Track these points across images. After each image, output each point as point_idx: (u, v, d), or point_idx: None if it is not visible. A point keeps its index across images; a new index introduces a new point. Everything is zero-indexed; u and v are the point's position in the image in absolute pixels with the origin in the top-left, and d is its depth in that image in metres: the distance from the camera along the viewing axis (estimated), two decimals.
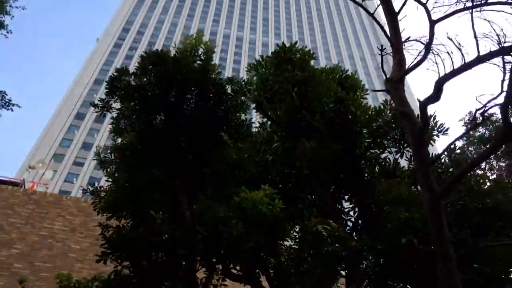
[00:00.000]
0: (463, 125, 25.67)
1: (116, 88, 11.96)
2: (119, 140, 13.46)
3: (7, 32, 17.25)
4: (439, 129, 13.54)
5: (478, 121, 9.51)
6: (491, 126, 24.59)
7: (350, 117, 14.71)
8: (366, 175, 14.27)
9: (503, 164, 24.90)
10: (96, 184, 13.98)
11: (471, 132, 24.14)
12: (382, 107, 14.80)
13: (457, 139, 12.52)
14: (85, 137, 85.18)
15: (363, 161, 14.48)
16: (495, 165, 25.90)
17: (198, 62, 12.36)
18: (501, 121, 8.76)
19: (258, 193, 9.84)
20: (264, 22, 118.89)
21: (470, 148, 24.14)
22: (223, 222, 9.37)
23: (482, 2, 9.23)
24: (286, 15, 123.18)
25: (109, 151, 13.80)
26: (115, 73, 12.26)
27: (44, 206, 29.22)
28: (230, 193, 10.27)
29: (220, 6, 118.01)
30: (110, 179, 12.92)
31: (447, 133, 13.58)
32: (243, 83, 12.67)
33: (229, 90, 12.70)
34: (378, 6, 11.59)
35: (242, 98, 12.52)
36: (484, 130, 24.90)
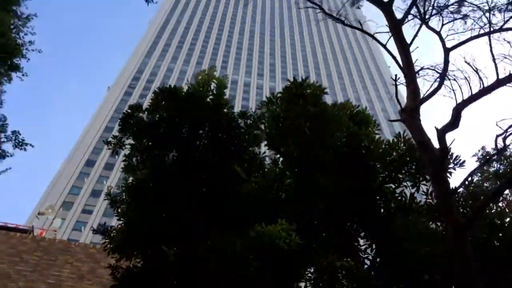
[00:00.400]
0: (476, 161, 25.34)
1: (129, 125, 11.95)
2: (131, 178, 13.35)
3: (22, 75, 17.47)
4: (456, 162, 13.27)
5: (498, 149, 9.28)
6: (505, 161, 24.22)
7: (363, 151, 14.56)
8: (382, 210, 13.95)
9: None
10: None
11: (485, 168, 23.81)
12: (395, 140, 14.67)
13: (474, 171, 12.28)
14: (94, 184, 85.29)
15: (378, 197, 14.19)
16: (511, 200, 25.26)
17: (211, 97, 12.40)
18: None
19: (275, 227, 9.58)
20: (271, 67, 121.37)
21: (485, 184, 23.64)
22: (240, 257, 9.06)
23: (497, 28, 9.26)
24: (292, 60, 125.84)
25: (120, 191, 13.67)
26: (128, 110, 12.31)
27: (52, 253, 28.73)
28: (246, 228, 10.02)
29: (227, 53, 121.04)
30: (122, 219, 12.71)
31: (464, 166, 13.29)
32: (256, 116, 12.64)
33: (241, 124, 12.65)
34: (390, 38, 11.74)
35: (255, 132, 12.44)
36: (499, 165, 24.51)
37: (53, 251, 28.87)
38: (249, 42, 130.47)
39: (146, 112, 12.43)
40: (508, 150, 23.63)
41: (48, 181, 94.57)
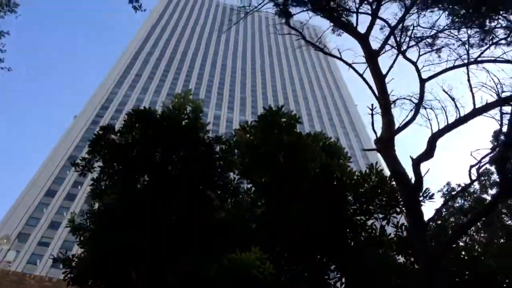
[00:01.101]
0: (441, 196, 25.82)
1: (100, 147, 11.51)
2: (96, 204, 12.81)
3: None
4: (425, 195, 13.40)
5: (471, 179, 9.40)
6: (469, 197, 24.81)
7: (335, 182, 14.56)
8: (352, 243, 13.86)
9: (483, 236, 24.74)
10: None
11: (449, 203, 24.33)
12: (367, 171, 14.75)
13: (446, 203, 12.49)
14: (54, 215, 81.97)
15: (349, 229, 14.11)
16: (475, 237, 25.77)
17: (186, 120, 12.17)
18: (497, 178, 8.75)
19: (250, 255, 9.28)
20: (241, 101, 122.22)
21: (451, 219, 24.02)
22: (213, 282, 8.68)
23: (472, 60, 9.58)
24: (262, 95, 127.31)
25: (84, 217, 13.06)
26: (99, 131, 11.90)
27: (5, 285, 27.13)
28: (218, 254, 9.67)
29: (199, 86, 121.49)
30: (85, 247, 12.09)
31: (433, 199, 13.43)
32: (232, 142, 12.45)
33: (217, 150, 12.42)
34: (366, 68, 11.96)
35: (230, 158, 12.23)
36: (463, 201, 25.05)
37: (6, 283, 27.23)
38: (221, 76, 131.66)
39: (118, 134, 12.03)
40: (472, 187, 24.39)
41: (6, 210, 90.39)
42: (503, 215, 23.36)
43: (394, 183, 13.03)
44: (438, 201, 29.05)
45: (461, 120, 9.18)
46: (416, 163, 9.62)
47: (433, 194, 13.32)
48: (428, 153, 9.51)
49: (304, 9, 13.32)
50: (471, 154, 8.71)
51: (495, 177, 23.05)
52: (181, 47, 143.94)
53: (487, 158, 9.06)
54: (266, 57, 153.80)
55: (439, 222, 14.37)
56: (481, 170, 9.52)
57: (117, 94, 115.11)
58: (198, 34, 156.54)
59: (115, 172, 11.80)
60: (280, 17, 12.89)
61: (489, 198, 23.31)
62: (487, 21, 12.20)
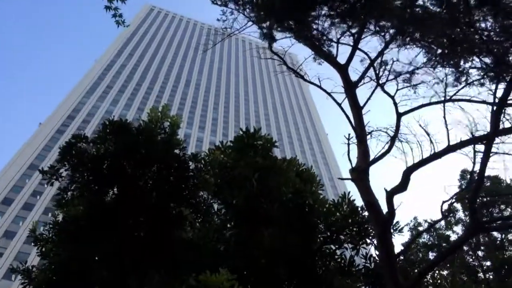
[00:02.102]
0: (408, 230, 26.21)
1: (70, 155, 11.11)
2: (60, 215, 12.31)
3: None
4: (395, 228, 13.54)
5: (443, 214, 9.53)
6: (434, 233, 25.26)
7: (307, 209, 14.54)
8: (321, 272, 13.80)
9: (446, 272, 25.16)
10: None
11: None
12: (340, 200, 14.81)
13: (413, 240, 12.61)
14: (9, 224, 78.53)
15: (317, 257, 14.06)
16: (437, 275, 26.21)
17: (162, 135, 11.94)
18: (468, 217, 8.92)
19: (219, 277, 9.02)
20: (213, 121, 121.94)
21: (418, 254, 24.37)
22: None
23: (448, 98, 9.88)
24: (235, 117, 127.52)
25: (47, 228, 12.53)
26: (71, 139, 11.51)
27: None
28: (186, 273, 9.37)
29: (171, 103, 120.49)
30: (46, 258, 11.55)
31: (402, 232, 13.59)
32: (208, 160, 12.26)
33: (192, 167, 12.19)
34: (344, 99, 12.13)
35: (205, 176, 12.02)
36: (428, 237, 25.48)
37: None
38: (194, 95, 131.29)
39: (91, 144, 11.67)
40: (438, 225, 24.97)
41: None
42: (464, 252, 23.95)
43: (365, 213, 13.13)
44: (405, 235, 29.53)
45: (436, 156, 9.38)
46: (390, 195, 9.72)
47: (402, 228, 13.49)
48: (402, 186, 9.63)
49: (287, 35, 13.49)
50: (444, 190, 8.88)
51: (460, 214, 23.69)
52: (156, 63, 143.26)
53: (455, 195, 9.22)
54: (241, 79, 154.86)
55: (411, 256, 14.55)
56: (451, 207, 9.69)
57: (86, 104, 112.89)
58: (174, 51, 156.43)
59: (83, 183, 11.39)
60: (264, 39, 13.00)
61: (453, 234, 23.88)
62: (462, 61, 12.65)
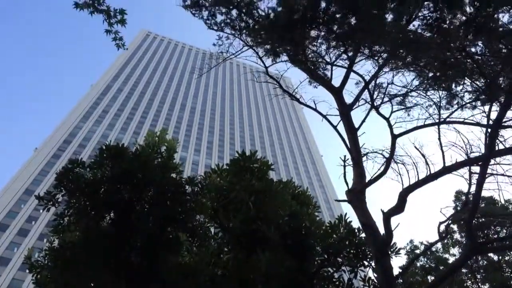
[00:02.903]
0: (405, 254, 26.06)
1: (67, 181, 11.09)
2: (56, 241, 12.21)
3: None
4: (392, 249, 13.50)
5: (441, 235, 9.54)
6: (431, 256, 25.14)
7: (304, 231, 14.50)
8: None
9: None
10: None
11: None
12: (336, 222, 14.78)
13: (411, 263, 12.59)
14: (3, 251, 77.44)
15: (316, 280, 13.96)
16: None
17: (159, 159, 11.96)
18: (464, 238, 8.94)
19: None
20: (208, 144, 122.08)
21: (416, 277, 24.19)
22: None
23: (442, 120, 10.01)
24: (230, 140, 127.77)
25: (42, 254, 12.40)
26: (68, 165, 11.50)
27: None
28: None
29: (166, 126, 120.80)
30: (42, 285, 11.41)
31: (399, 254, 13.55)
32: (204, 184, 12.26)
33: (188, 191, 12.17)
34: (339, 122, 12.25)
35: (202, 200, 12.00)
36: (426, 260, 25.33)
37: None
38: (189, 118, 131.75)
39: (87, 169, 11.66)
40: (435, 247, 24.89)
41: None
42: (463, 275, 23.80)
43: (363, 235, 13.10)
44: (403, 258, 29.40)
45: (431, 177, 9.45)
46: (387, 217, 9.74)
47: (399, 249, 13.46)
48: (399, 208, 9.66)
49: (283, 60, 13.70)
50: (440, 211, 8.91)
51: (457, 236, 23.62)
52: (152, 87, 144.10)
53: (452, 217, 9.25)
54: (236, 103, 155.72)
55: (410, 278, 14.45)
56: (448, 228, 9.72)
57: (82, 128, 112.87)
58: (170, 75, 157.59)
59: (80, 208, 11.34)
60: (268, 55, 13.19)
61: (450, 257, 23.76)
62: (454, 85, 12.85)
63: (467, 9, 11.08)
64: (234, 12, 13.95)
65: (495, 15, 10.31)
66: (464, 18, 11.02)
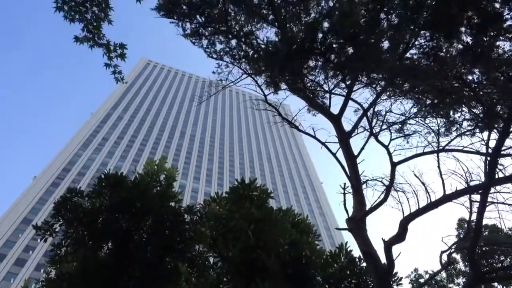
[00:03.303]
0: (409, 282, 25.65)
1: (65, 210, 11.00)
2: (53, 272, 12.03)
3: None
4: (394, 279, 13.30)
5: (442, 265, 9.41)
6: (436, 286, 24.71)
7: (304, 260, 14.32)
8: None
9: None
10: None
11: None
12: (337, 251, 14.61)
13: None
14: (0, 281, 76.21)
15: None
16: None
17: (158, 188, 11.90)
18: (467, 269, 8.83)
19: None
20: (208, 172, 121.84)
21: None
22: None
23: (441, 148, 10.01)
24: (229, 167, 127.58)
25: (39, 285, 12.20)
26: (66, 194, 11.44)
27: None
28: None
29: (166, 154, 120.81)
30: None
31: (401, 284, 13.36)
32: (203, 212, 12.17)
33: (187, 220, 12.07)
34: (339, 149, 12.25)
35: (201, 229, 11.88)
36: None
37: None
38: (189, 146, 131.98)
39: (86, 198, 11.59)
40: (439, 275, 24.53)
41: None
42: None
43: (364, 264, 12.92)
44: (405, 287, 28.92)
45: (432, 205, 9.39)
46: (388, 245, 9.62)
47: (401, 279, 13.26)
48: (400, 236, 9.55)
49: (282, 88, 13.82)
50: (442, 240, 8.81)
51: (460, 265, 23.30)
52: (151, 115, 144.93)
53: (454, 246, 9.15)
54: (235, 130, 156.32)
55: None
56: (450, 258, 9.59)
57: (81, 156, 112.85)
58: (169, 103, 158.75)
59: (78, 238, 11.21)
60: (268, 87, 13.33)
61: (454, 286, 23.37)
62: (452, 112, 12.92)
63: (464, 37, 11.26)
64: (233, 42, 14.18)
65: (494, 43, 10.45)
66: (460, 46, 11.17)
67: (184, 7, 13.75)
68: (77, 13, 7.74)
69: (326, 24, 12.03)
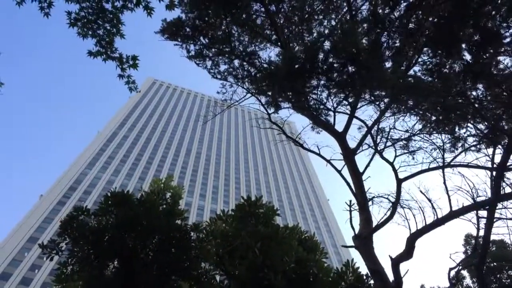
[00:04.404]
0: None
1: (71, 228, 11.04)
2: None
3: None
4: None
5: (451, 281, 9.31)
6: None
7: (311, 278, 14.21)
8: None
9: None
10: None
11: None
12: (344, 269, 14.49)
13: None
14: None
15: None
16: None
17: (164, 206, 11.93)
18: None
19: None
20: (214, 189, 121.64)
21: None
22: None
23: (446, 164, 10.00)
24: (235, 185, 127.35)
25: None
26: (73, 212, 11.49)
27: None
28: None
29: (172, 172, 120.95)
30: None
31: None
32: (209, 230, 12.16)
33: (193, 237, 12.05)
34: (344, 166, 12.26)
35: (207, 247, 11.86)
36: None
37: None
38: (194, 164, 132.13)
39: (92, 216, 11.63)
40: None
41: None
42: None
43: (371, 282, 12.80)
44: None
45: (439, 222, 9.34)
46: (396, 263, 9.56)
47: None
48: (408, 254, 9.50)
49: (286, 106, 13.91)
50: (450, 257, 8.74)
51: (468, 281, 23.06)
52: (157, 133, 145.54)
53: (462, 262, 9.07)
54: (241, 148, 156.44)
55: None
56: (458, 274, 9.50)
57: (88, 175, 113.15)
58: (175, 121, 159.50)
59: (83, 257, 11.22)
60: (269, 107, 13.43)
61: None
62: (457, 128, 12.94)
63: (466, 54, 11.34)
64: (236, 62, 14.35)
65: (494, 59, 10.51)
66: (462, 63, 11.25)
67: (187, 29, 13.98)
68: (89, 30, 7.96)
69: (327, 43, 12.17)
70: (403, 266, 10.26)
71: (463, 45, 10.06)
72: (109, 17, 8.02)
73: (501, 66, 10.77)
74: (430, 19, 10.67)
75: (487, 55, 9.61)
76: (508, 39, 9.29)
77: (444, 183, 9.54)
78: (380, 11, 12.03)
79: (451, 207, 9.03)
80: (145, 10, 7.82)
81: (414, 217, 9.51)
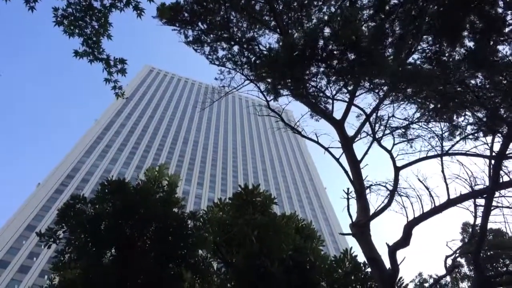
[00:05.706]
0: (414, 287, 25.49)
1: (68, 217, 11.01)
2: (57, 279, 12.03)
3: None
4: (399, 284, 13.25)
5: (447, 269, 9.34)
6: None
7: (308, 266, 14.27)
8: None
9: None
10: None
11: None
12: (341, 256, 14.55)
13: None
14: None
15: None
16: None
17: (161, 194, 11.89)
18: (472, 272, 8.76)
19: None
20: (211, 178, 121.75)
21: None
22: None
23: (444, 152, 9.98)
24: (233, 173, 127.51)
25: None
26: (70, 201, 11.46)
27: None
28: None
29: (169, 160, 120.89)
30: None
31: None
32: (206, 218, 12.15)
33: (190, 226, 12.04)
34: (342, 154, 12.21)
35: (204, 234, 11.86)
36: None
37: None
38: (192, 152, 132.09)
39: (89, 204, 11.60)
40: (444, 280, 24.41)
41: None
42: None
43: (368, 269, 12.85)
44: None
45: (436, 210, 9.34)
46: (392, 250, 9.57)
47: (407, 285, 13.20)
48: (404, 241, 9.51)
49: (285, 93, 13.80)
50: (446, 245, 8.76)
51: (465, 269, 23.19)
52: (155, 121, 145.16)
53: (459, 250, 9.08)
54: (239, 136, 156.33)
55: None
56: (455, 262, 9.53)
57: (85, 163, 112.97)
58: (172, 109, 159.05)
59: (81, 245, 11.21)
60: (269, 94, 13.32)
61: None
62: (455, 116, 12.88)
63: (466, 42, 11.24)
64: (235, 48, 14.20)
65: (496, 47, 10.42)
66: (463, 51, 11.15)
67: (185, 14, 13.80)
68: (76, 28, 7.68)
69: (327, 30, 12.03)
70: (400, 254, 10.30)
71: (465, 33, 9.96)
72: (97, 15, 7.75)
73: (501, 54, 10.68)
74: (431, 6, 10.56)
75: (491, 43, 9.52)
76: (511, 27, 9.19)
77: (442, 171, 9.52)
78: None
79: (448, 195, 9.03)
80: (135, 10, 7.52)
81: (412, 205, 9.51)
